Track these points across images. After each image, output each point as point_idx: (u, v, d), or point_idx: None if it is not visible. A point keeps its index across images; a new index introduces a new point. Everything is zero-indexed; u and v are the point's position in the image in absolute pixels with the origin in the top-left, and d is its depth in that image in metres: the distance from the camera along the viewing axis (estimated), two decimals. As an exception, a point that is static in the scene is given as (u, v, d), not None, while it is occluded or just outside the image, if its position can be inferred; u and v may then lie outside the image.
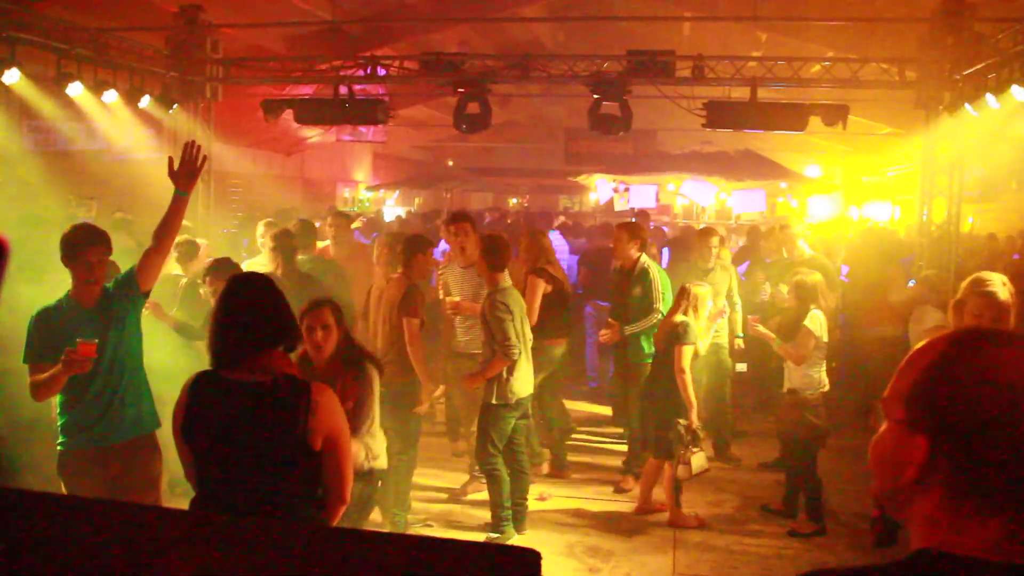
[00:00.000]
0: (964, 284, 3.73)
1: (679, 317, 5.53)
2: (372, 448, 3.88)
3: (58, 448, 3.89)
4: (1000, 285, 3.60)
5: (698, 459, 5.42)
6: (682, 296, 5.62)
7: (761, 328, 5.64)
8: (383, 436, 4.04)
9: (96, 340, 3.59)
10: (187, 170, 3.78)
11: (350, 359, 3.81)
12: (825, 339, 5.45)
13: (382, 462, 3.98)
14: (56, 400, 3.92)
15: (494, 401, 5.19)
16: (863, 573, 1.14)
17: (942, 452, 1.09)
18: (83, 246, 3.77)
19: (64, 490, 3.88)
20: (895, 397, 1.17)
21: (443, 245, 7.69)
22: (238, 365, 2.59)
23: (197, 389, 2.62)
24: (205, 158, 3.87)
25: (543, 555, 1.62)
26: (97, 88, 7.73)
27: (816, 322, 5.37)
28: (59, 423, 3.91)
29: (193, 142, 3.85)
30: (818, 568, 1.24)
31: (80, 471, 3.82)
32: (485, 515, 5.41)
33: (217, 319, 2.66)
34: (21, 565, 1.62)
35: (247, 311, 2.65)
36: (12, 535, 1.69)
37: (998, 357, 1.10)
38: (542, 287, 6.22)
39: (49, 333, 3.73)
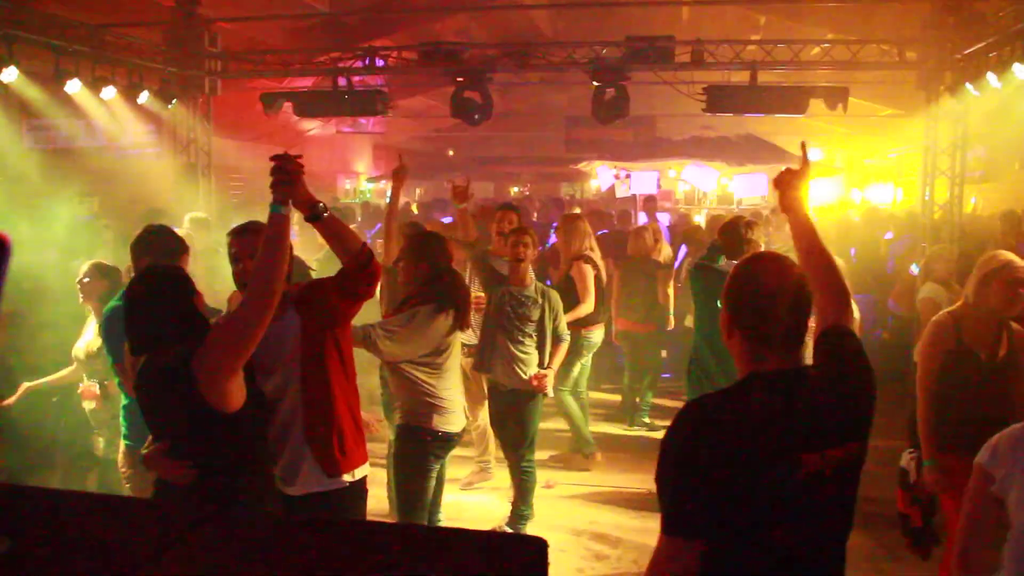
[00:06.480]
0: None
1: None
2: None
3: (125, 443, 4.08)
4: None
5: None
6: None
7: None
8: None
9: None
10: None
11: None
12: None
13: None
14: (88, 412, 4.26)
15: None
16: (718, 397, 1.90)
17: (734, 320, 1.97)
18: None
19: (124, 481, 4.10)
20: None
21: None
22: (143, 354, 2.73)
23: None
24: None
25: (549, 542, 1.63)
26: (95, 84, 7.72)
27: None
28: (123, 426, 4.12)
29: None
30: None
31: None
32: (492, 506, 5.42)
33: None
34: (30, 560, 1.63)
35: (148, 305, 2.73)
36: (20, 531, 1.71)
37: (755, 266, 2.02)
38: (592, 272, 6.29)
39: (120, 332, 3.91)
